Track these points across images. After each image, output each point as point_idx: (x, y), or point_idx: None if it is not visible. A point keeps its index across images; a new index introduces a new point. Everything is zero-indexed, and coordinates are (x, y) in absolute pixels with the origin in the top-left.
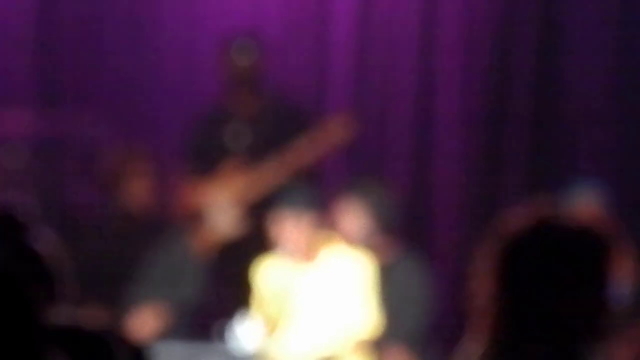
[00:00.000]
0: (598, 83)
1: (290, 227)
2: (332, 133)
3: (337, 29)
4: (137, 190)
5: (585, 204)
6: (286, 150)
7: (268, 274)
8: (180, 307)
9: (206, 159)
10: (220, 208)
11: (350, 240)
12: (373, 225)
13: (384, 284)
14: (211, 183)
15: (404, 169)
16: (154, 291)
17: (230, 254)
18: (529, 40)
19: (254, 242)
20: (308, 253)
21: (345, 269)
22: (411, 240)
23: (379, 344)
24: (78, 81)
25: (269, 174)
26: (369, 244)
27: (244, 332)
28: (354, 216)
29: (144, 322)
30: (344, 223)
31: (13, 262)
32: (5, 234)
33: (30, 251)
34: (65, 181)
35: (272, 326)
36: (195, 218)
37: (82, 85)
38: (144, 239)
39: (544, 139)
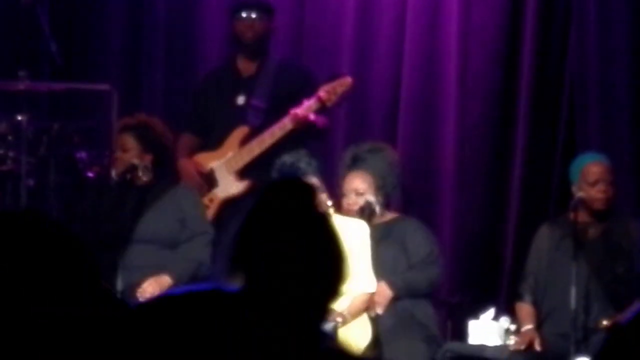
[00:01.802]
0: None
1: (320, 193)
2: (336, 95)
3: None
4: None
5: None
6: (288, 113)
7: None
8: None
9: (207, 122)
10: (222, 175)
11: (352, 211)
12: (377, 198)
13: (384, 239)
14: (214, 152)
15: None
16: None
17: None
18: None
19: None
20: None
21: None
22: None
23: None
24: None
25: (269, 140)
26: (369, 214)
27: None
28: (359, 186)
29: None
30: (348, 193)
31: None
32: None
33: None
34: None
35: None
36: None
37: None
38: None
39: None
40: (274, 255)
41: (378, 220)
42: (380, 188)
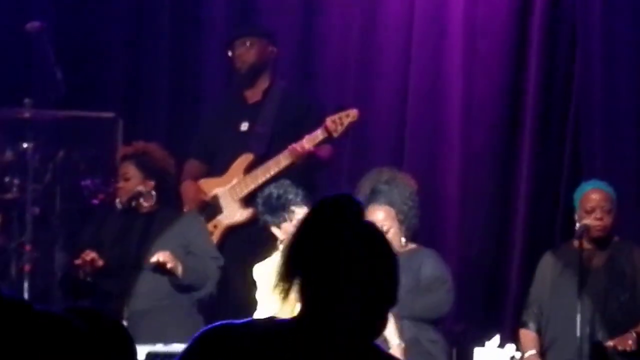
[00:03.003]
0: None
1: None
2: (342, 125)
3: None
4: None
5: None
6: (292, 141)
7: (274, 272)
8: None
9: (212, 148)
10: (227, 201)
11: None
12: (398, 231)
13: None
14: (219, 178)
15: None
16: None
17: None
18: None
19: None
20: None
21: None
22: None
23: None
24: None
25: (274, 168)
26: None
27: None
28: (382, 223)
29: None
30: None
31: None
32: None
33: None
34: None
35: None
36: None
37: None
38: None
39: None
40: (333, 270)
41: (400, 250)
42: (402, 222)
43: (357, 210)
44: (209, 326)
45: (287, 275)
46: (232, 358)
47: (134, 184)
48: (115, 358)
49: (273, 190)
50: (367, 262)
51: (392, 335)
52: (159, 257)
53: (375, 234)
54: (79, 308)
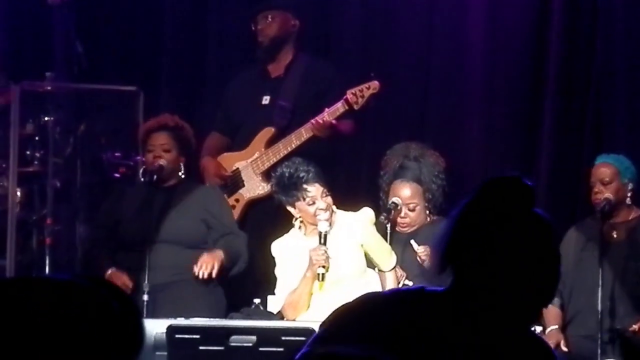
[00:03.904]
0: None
1: (324, 196)
2: (363, 98)
3: None
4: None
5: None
6: (314, 115)
7: (291, 248)
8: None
9: (234, 122)
10: (249, 175)
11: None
12: (424, 209)
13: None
14: (240, 152)
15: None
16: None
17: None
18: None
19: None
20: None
21: (352, 225)
22: None
23: None
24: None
25: (295, 142)
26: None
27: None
28: (410, 200)
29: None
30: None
31: None
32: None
33: None
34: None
35: (303, 292)
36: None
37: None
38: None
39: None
40: (496, 253)
41: (421, 223)
42: (429, 200)
43: (528, 194)
44: (356, 298)
45: (447, 255)
46: (383, 322)
47: (174, 156)
48: (120, 329)
49: (284, 169)
50: (533, 253)
51: None
52: (202, 274)
53: (543, 223)
54: (87, 275)
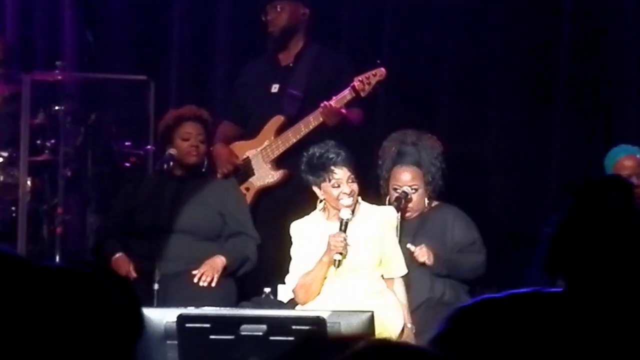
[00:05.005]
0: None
1: (350, 181)
2: (370, 85)
3: None
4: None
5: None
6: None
7: (310, 230)
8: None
9: (245, 111)
10: (259, 164)
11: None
12: (424, 192)
13: (422, 227)
14: (250, 141)
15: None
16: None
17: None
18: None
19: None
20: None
21: (375, 222)
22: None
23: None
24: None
25: (304, 130)
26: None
27: (285, 290)
28: (410, 184)
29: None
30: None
31: None
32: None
33: None
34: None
35: (316, 277)
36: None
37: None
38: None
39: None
40: (603, 258)
41: (424, 210)
42: (429, 183)
43: (629, 194)
44: (466, 303)
45: (557, 261)
46: (495, 335)
47: (206, 148)
48: (119, 316)
49: (316, 149)
50: (632, 245)
51: (405, 314)
52: (203, 281)
53: None
54: (85, 262)
